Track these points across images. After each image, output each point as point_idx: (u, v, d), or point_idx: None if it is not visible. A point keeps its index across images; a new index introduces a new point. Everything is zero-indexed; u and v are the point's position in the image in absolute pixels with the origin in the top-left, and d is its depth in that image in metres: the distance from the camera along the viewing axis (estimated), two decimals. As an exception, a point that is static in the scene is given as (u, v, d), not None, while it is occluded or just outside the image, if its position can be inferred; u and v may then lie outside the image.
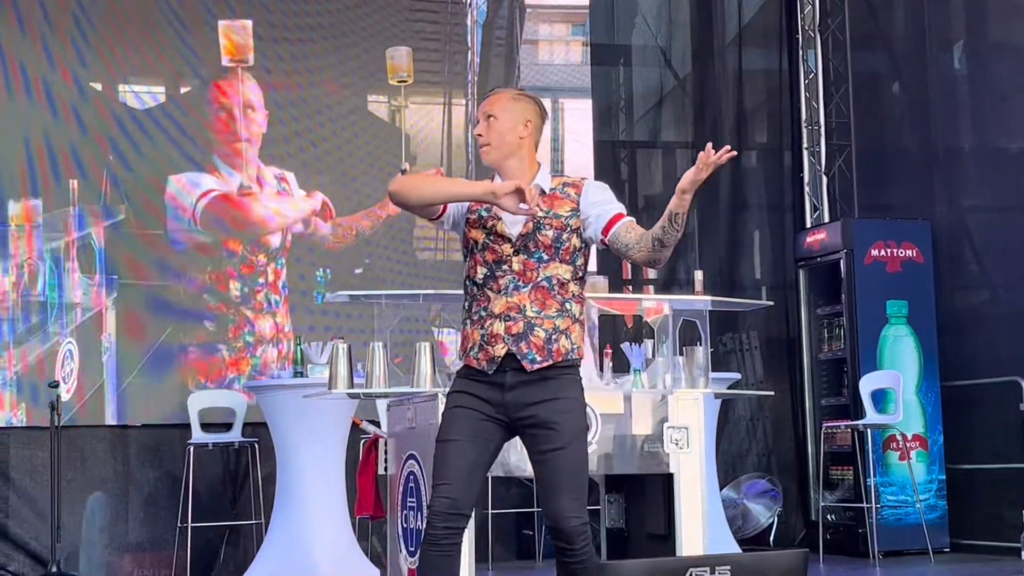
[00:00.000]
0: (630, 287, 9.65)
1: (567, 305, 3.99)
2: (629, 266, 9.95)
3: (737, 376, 8.44)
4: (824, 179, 9.72)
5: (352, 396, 5.59)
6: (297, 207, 8.20)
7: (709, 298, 5.69)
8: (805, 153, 9.78)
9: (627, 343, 5.83)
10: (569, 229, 4.00)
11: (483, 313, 3.99)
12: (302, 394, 6.64)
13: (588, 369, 5.49)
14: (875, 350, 8.50)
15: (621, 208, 4.10)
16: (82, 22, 7.72)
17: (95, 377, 7.70)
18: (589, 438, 5.15)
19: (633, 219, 4.09)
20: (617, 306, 5.96)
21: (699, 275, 6.45)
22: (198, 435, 7.76)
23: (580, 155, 9.25)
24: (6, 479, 7.99)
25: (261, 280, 8.04)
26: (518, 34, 8.92)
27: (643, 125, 10.34)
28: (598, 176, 9.62)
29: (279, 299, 8.10)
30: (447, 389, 4.50)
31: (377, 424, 6.56)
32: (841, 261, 8.67)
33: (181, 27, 7.94)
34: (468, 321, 4.03)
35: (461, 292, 4.12)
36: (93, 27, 7.76)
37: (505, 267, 3.97)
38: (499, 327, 3.94)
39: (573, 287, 4.02)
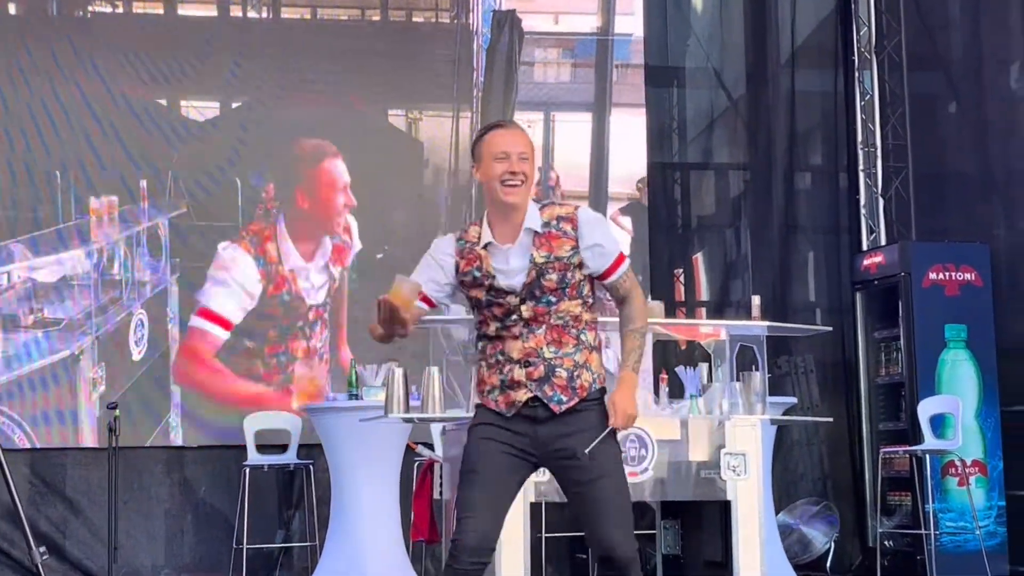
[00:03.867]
0: (683, 309, 9.62)
1: (582, 337, 3.92)
2: (682, 288, 9.93)
3: (793, 400, 8.37)
4: (881, 201, 9.64)
5: (407, 420, 5.59)
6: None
7: (767, 323, 5.65)
8: (861, 175, 9.70)
9: (681, 367, 5.80)
10: (572, 267, 3.90)
11: (500, 357, 3.92)
12: (358, 418, 6.65)
13: (643, 394, 5.47)
14: (933, 374, 8.40)
15: (619, 249, 3.99)
16: (153, 50, 8.71)
17: (161, 342, 8.37)
18: (645, 464, 5.14)
19: (628, 262, 4.00)
20: (674, 330, 5.93)
21: (756, 300, 6.40)
22: (254, 456, 7.79)
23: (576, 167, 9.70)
24: (64, 499, 8.06)
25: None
26: (516, 57, 9.56)
27: (696, 146, 10.31)
28: (652, 198, 9.61)
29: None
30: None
31: (432, 448, 6.57)
32: (899, 284, 8.58)
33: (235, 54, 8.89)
34: (484, 364, 3.96)
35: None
36: (169, 54, 8.76)
37: (515, 316, 3.89)
38: (519, 373, 3.88)
39: (585, 316, 3.95)
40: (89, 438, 8.07)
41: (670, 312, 9.17)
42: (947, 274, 8.52)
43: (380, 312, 3.80)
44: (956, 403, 8.11)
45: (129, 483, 8.06)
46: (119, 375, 8.22)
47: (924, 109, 9.51)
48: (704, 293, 9.90)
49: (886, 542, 8.52)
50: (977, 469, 8.34)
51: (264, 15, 9.13)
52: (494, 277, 3.89)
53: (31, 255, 8.12)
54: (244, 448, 7.84)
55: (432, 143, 9.30)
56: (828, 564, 8.87)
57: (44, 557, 6.19)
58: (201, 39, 8.81)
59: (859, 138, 9.72)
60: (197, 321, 8.43)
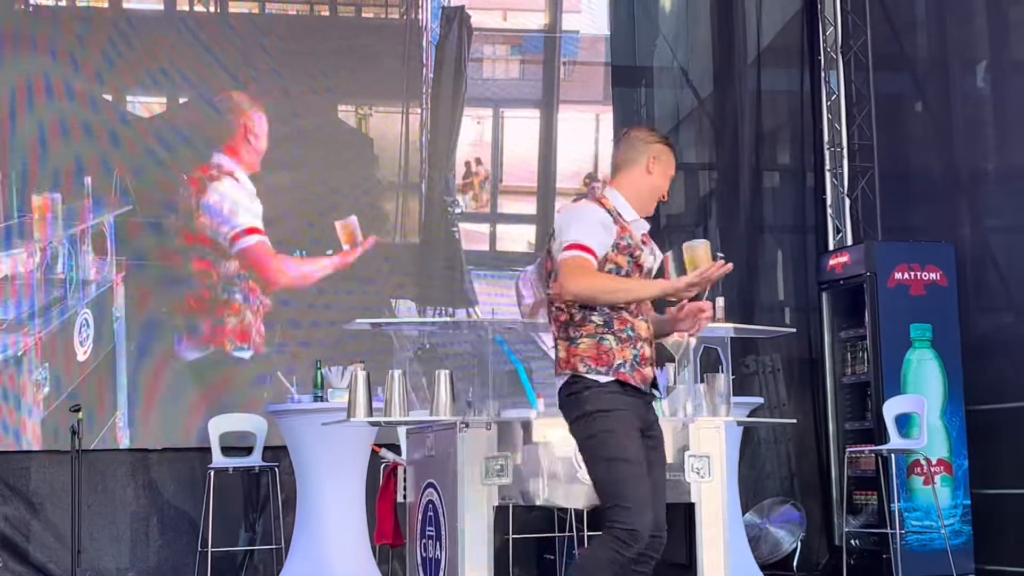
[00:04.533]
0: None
1: None
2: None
3: (760, 400, 8.38)
4: (847, 201, 9.66)
5: (371, 424, 5.55)
6: (322, 264, 8.86)
7: (731, 325, 5.63)
8: (827, 175, 9.71)
9: (648, 368, 5.76)
10: None
11: (631, 333, 4.26)
12: (322, 420, 6.61)
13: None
14: (899, 374, 8.42)
15: None
16: (98, 45, 8.62)
17: (107, 342, 8.30)
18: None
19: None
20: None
21: (720, 302, 6.36)
22: (219, 459, 7.75)
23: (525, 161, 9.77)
24: (28, 503, 7.99)
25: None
26: (465, 53, 9.61)
27: (664, 146, 10.29)
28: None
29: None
30: (467, 416, 4.57)
31: (397, 450, 6.53)
32: (864, 284, 8.60)
33: (182, 48, 8.82)
34: (612, 336, 4.24)
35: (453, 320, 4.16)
36: (114, 50, 8.64)
37: None
38: (648, 351, 4.32)
39: None
40: (33, 440, 7.97)
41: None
42: (912, 274, 8.54)
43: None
44: (921, 402, 8.13)
45: (93, 486, 7.99)
46: (64, 376, 8.13)
47: (890, 109, 9.52)
48: (673, 293, 9.88)
49: (852, 541, 8.54)
50: (942, 468, 8.37)
51: (211, 9, 9.06)
52: (642, 250, 4.31)
53: None
54: (209, 450, 7.80)
55: (382, 139, 9.33)
56: (795, 563, 8.90)
57: (1, 567, 6.13)
58: (147, 33, 8.70)
59: (825, 138, 9.74)
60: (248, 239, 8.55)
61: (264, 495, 8.15)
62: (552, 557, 8.58)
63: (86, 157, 8.40)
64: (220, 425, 7.93)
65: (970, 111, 8.95)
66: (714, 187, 10.01)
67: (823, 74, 9.78)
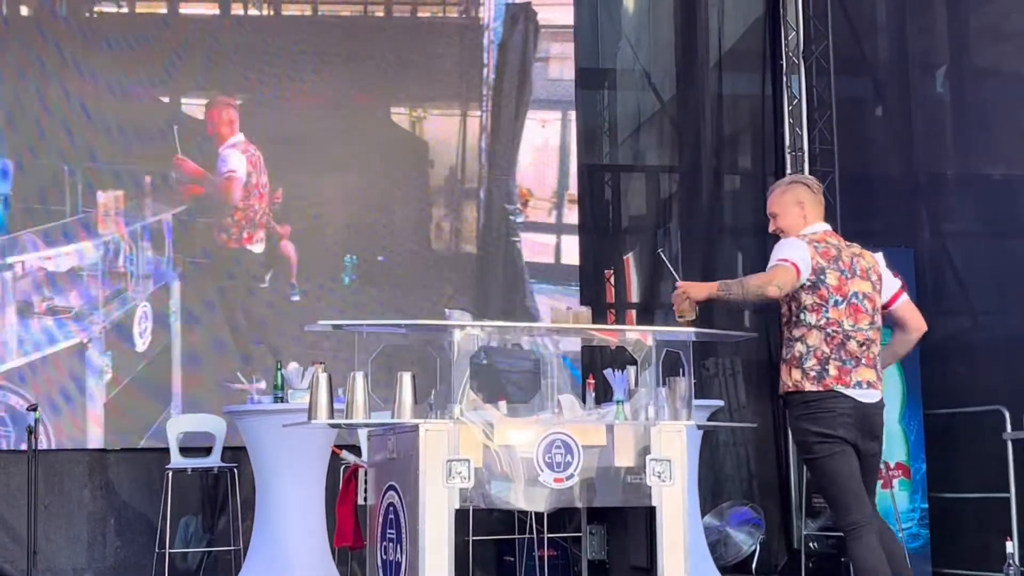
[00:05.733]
0: (613, 312, 9.62)
1: None
2: (613, 290, 9.92)
3: (720, 403, 8.38)
4: (808, 205, 9.66)
5: (333, 426, 5.52)
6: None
7: (693, 330, 5.62)
8: (788, 178, 9.73)
9: (610, 369, 5.76)
10: None
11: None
12: (282, 421, 6.56)
13: (571, 398, 5.44)
14: (858, 377, 8.44)
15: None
16: (155, 48, 8.84)
17: (163, 335, 8.52)
18: (571, 470, 5.12)
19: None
20: (602, 335, 5.90)
21: (682, 305, 6.37)
22: (177, 460, 7.69)
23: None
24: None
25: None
26: (531, 52, 9.47)
27: (627, 148, 10.31)
28: (582, 197, 9.59)
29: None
30: (428, 419, 4.55)
31: (358, 452, 6.49)
32: (824, 287, 8.61)
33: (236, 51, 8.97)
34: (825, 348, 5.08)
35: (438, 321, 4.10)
36: (171, 53, 8.84)
37: None
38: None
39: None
40: (95, 425, 8.01)
41: (600, 314, 9.18)
42: (872, 278, 8.55)
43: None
44: (880, 406, 8.14)
45: (51, 486, 7.91)
46: (123, 365, 8.33)
47: (851, 114, 9.56)
48: (635, 294, 9.91)
49: (811, 544, 8.56)
50: (900, 472, 8.41)
51: (265, 12, 9.11)
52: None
53: (43, 246, 8.29)
54: (167, 451, 7.74)
55: (437, 143, 9.29)
56: (754, 566, 8.91)
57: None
58: (203, 37, 8.86)
59: (787, 142, 9.77)
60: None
61: (223, 496, 8.09)
62: (512, 559, 8.57)
63: (145, 157, 8.56)
64: (178, 425, 7.87)
65: (930, 116, 8.99)
66: (675, 189, 10.03)
67: (785, 78, 9.81)
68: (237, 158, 8.79)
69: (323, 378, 5.28)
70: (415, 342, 5.68)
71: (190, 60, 8.76)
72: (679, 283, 5.30)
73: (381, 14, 9.46)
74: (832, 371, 5.03)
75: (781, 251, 5.04)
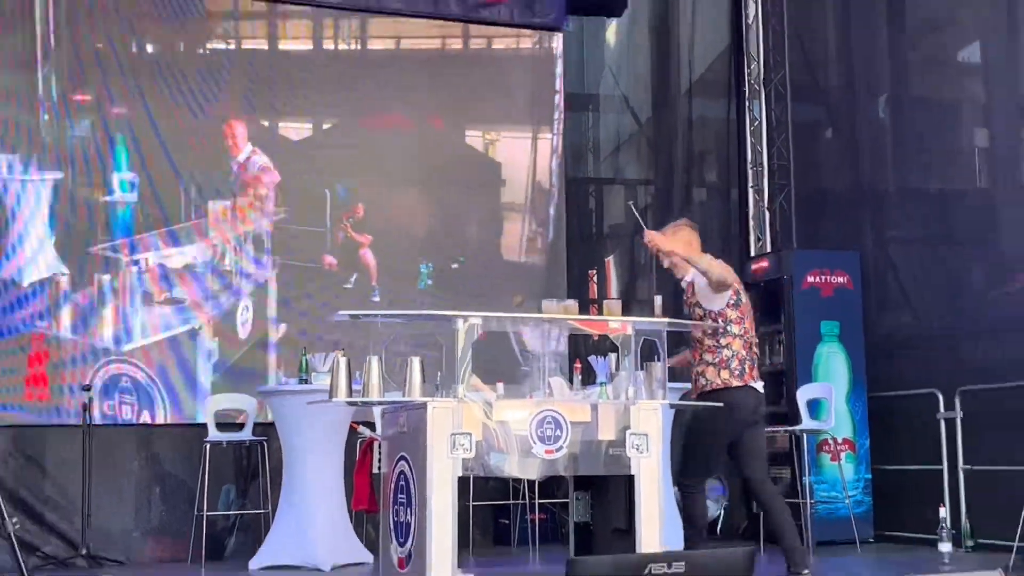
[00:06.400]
0: (597, 306, 9.57)
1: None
2: (595, 286, 9.89)
3: (689, 386, 8.34)
4: (767, 214, 9.67)
5: (350, 404, 5.48)
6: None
7: (667, 320, 5.60)
8: (751, 191, 9.72)
9: (593, 356, 5.74)
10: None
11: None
12: (307, 400, 6.53)
13: (561, 381, 5.41)
14: (810, 365, 8.43)
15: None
16: (258, 79, 8.87)
17: (261, 325, 8.59)
18: (560, 443, 5.09)
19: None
20: (587, 325, 5.87)
21: (658, 300, 6.36)
22: (214, 434, 7.64)
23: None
24: (43, 472, 7.85)
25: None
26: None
27: (608, 164, 10.29)
28: (570, 207, 9.56)
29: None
30: (435, 398, 4.53)
31: (372, 427, 6.46)
32: (781, 286, 8.60)
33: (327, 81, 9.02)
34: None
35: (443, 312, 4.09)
36: (270, 83, 8.90)
37: None
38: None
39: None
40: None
41: (584, 308, 9.14)
42: (823, 277, 8.55)
43: None
44: (830, 389, 8.14)
45: (103, 457, 7.86)
46: (227, 350, 8.40)
47: (805, 135, 9.54)
48: (615, 292, 9.89)
49: (768, 510, 8.53)
50: (847, 446, 8.39)
51: (353, 46, 9.18)
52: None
53: (164, 246, 8.38)
54: (205, 426, 7.70)
55: (509, 162, 9.37)
56: (718, 529, 8.89)
57: (17, 527, 5.99)
58: (298, 69, 8.91)
59: (749, 159, 9.75)
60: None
61: (254, 466, 8.05)
62: (506, 521, 8.55)
63: (248, 172, 8.62)
64: (216, 404, 7.84)
65: (873, 138, 8.97)
66: (651, 200, 10.01)
67: (747, 103, 9.78)
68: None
69: (343, 362, 5.25)
70: (424, 330, 5.65)
71: (285, 89, 8.81)
72: (647, 232, 5.77)
73: (459, 46, 9.51)
74: (747, 370, 5.74)
75: (724, 269, 5.75)
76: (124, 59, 8.38)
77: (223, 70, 8.68)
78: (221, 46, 8.80)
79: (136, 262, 8.27)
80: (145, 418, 8.06)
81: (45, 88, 8.14)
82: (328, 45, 9.12)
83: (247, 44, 8.91)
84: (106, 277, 8.14)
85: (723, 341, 5.74)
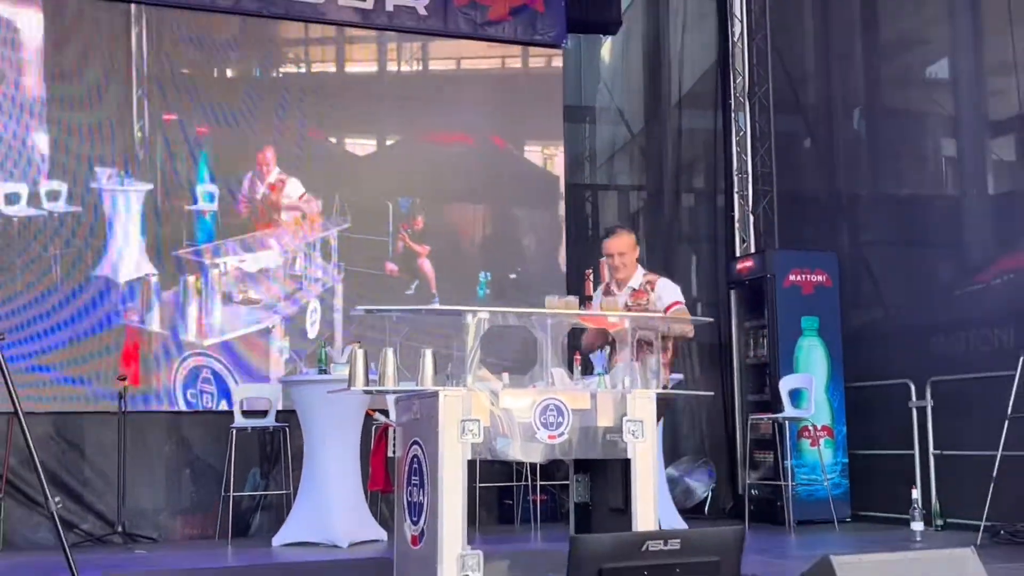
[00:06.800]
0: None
1: None
2: (591, 284, 9.85)
3: (680, 376, 8.32)
4: (751, 218, 9.64)
5: (367, 392, 5.45)
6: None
7: (659, 316, 5.56)
8: (736, 196, 9.70)
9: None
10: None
11: None
12: (326, 389, 6.49)
13: (561, 371, 5.37)
14: (792, 357, 8.41)
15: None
16: (325, 99, 8.82)
17: (328, 326, 8.57)
18: (562, 429, 5.05)
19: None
20: (586, 320, 5.84)
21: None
22: (239, 420, 7.61)
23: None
24: (82, 455, 7.82)
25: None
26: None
27: (603, 171, 10.25)
28: (568, 211, 9.52)
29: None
30: (446, 387, 4.49)
31: (387, 414, 6.42)
32: (765, 284, 8.58)
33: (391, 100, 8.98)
34: None
35: (453, 307, 4.07)
36: (338, 103, 8.84)
37: None
38: None
39: None
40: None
41: (581, 305, 9.09)
42: (803, 276, 8.53)
43: None
44: (810, 380, 8.12)
45: (137, 442, 7.83)
46: (297, 347, 8.40)
47: (786, 144, 9.52)
48: (609, 289, 9.82)
49: (753, 491, 8.52)
50: (826, 433, 8.36)
51: (415, 67, 9.16)
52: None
53: (241, 251, 8.44)
54: (232, 413, 7.67)
55: (538, 174, 9.31)
56: (706, 508, 8.87)
57: (59, 506, 5.97)
58: (364, 90, 8.89)
59: (734, 166, 9.72)
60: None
61: (276, 450, 8.02)
62: (510, 502, 8.52)
63: (317, 185, 8.62)
64: (242, 393, 7.81)
65: (849, 147, 8.96)
66: (642, 205, 9.98)
67: (733, 115, 9.76)
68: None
69: (360, 354, 5.20)
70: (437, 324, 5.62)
71: (351, 108, 8.80)
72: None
73: (518, 65, 9.44)
74: None
75: (676, 293, 5.77)
76: (207, 83, 8.42)
77: (294, 90, 8.70)
78: (293, 70, 8.83)
79: (217, 265, 8.32)
80: (223, 406, 8.05)
81: (139, 109, 8.21)
82: (392, 67, 9.08)
83: (316, 67, 8.94)
84: (191, 279, 8.19)
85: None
